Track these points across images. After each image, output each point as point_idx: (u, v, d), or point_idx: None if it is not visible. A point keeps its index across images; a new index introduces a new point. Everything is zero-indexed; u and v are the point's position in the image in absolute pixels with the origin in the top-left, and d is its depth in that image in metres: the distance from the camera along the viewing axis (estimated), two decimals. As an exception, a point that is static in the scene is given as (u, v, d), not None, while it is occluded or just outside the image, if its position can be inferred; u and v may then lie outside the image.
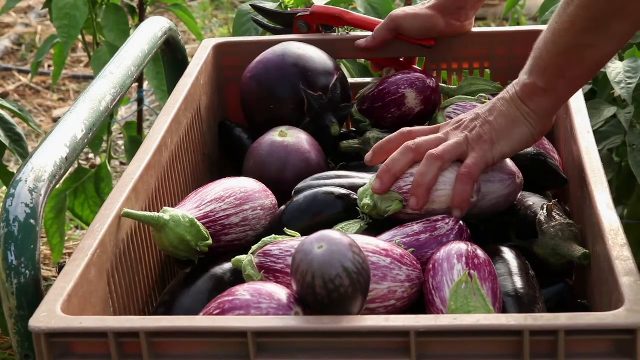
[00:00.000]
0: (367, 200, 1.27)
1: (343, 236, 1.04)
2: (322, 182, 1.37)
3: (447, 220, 1.25)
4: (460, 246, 1.17)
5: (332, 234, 1.04)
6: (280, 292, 1.07)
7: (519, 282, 1.16)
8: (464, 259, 1.14)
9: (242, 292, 1.08)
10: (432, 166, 1.23)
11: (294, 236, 1.22)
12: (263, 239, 1.22)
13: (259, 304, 1.06)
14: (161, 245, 1.27)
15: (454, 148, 1.24)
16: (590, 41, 1.14)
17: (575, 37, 1.15)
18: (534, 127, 1.24)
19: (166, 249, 1.27)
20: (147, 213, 1.25)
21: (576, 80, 1.22)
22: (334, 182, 1.36)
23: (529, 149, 1.39)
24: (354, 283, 1.02)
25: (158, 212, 1.29)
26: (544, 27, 1.69)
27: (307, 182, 1.39)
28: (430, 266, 1.16)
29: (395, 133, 1.32)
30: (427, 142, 1.26)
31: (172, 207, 1.37)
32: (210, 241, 1.28)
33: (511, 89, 1.25)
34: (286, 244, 1.18)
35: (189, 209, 1.29)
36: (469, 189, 1.24)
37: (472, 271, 1.12)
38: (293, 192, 1.37)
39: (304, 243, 1.04)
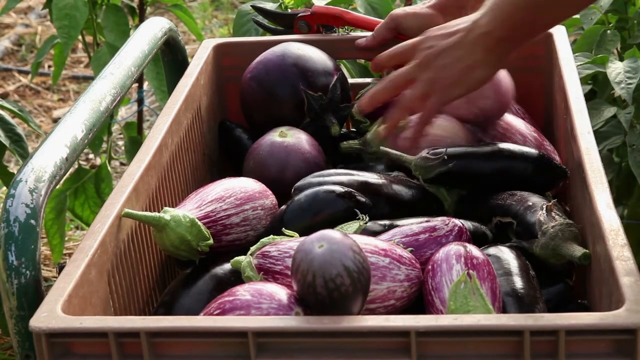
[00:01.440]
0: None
1: (343, 236, 1.04)
2: (321, 179, 1.37)
3: (447, 222, 1.25)
4: (459, 247, 1.17)
5: (333, 233, 1.04)
6: (280, 292, 1.07)
7: (519, 282, 1.16)
8: (462, 259, 1.15)
9: (243, 292, 1.08)
10: (396, 112, 1.38)
11: (292, 236, 1.22)
12: (261, 240, 1.22)
13: (260, 304, 1.06)
14: (162, 245, 1.27)
15: (418, 96, 1.35)
16: (545, 4, 1.22)
17: None
18: (491, 69, 1.32)
19: (167, 249, 1.27)
20: (148, 213, 1.25)
21: (533, 35, 1.31)
22: (334, 179, 1.36)
23: (531, 150, 1.41)
24: (354, 282, 1.02)
25: (158, 212, 1.29)
26: (543, 27, 1.70)
27: (307, 179, 1.39)
28: (429, 267, 1.17)
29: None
30: (401, 79, 1.37)
31: (173, 207, 1.37)
32: (211, 241, 1.28)
33: (470, 33, 1.30)
34: (284, 245, 1.18)
35: (189, 209, 1.29)
36: (424, 127, 1.38)
37: (470, 271, 1.12)
38: (293, 190, 1.37)
39: (304, 242, 1.04)
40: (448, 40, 1.33)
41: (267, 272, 1.17)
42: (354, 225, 1.27)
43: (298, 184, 1.38)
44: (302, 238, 1.16)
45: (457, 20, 1.35)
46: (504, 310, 1.13)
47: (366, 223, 1.28)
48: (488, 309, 1.08)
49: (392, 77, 1.38)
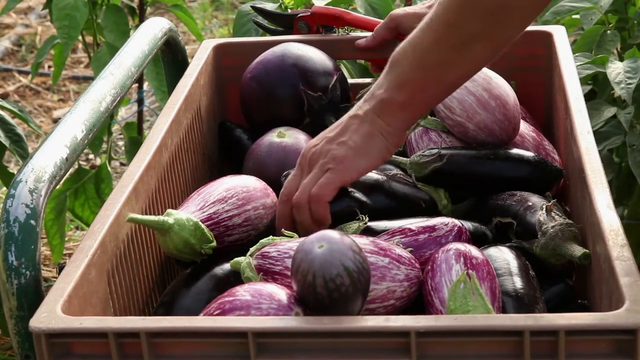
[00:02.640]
0: None
1: (343, 236, 1.04)
2: None
3: (447, 222, 1.25)
4: (458, 247, 1.17)
5: (333, 233, 1.04)
6: (280, 293, 1.07)
7: (519, 282, 1.16)
8: (462, 259, 1.15)
9: (243, 292, 1.08)
10: (301, 213, 1.26)
11: (291, 237, 1.22)
12: (261, 241, 1.21)
13: (259, 304, 1.06)
14: (166, 248, 1.27)
15: (309, 185, 1.25)
16: (452, 60, 1.16)
17: (439, 55, 1.16)
18: (389, 141, 1.24)
19: (171, 252, 1.27)
20: (152, 217, 1.25)
21: (434, 97, 1.23)
22: None
23: (527, 153, 1.41)
24: (354, 282, 1.02)
25: (158, 213, 1.28)
26: (543, 28, 1.71)
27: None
28: (429, 267, 1.17)
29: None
30: (292, 191, 1.27)
31: (172, 207, 1.37)
32: (214, 243, 1.28)
33: (364, 105, 1.24)
34: (284, 246, 1.18)
35: (192, 211, 1.29)
36: (323, 211, 1.25)
37: (470, 271, 1.12)
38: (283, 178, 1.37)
39: (304, 243, 1.04)
40: (336, 129, 1.25)
41: (267, 273, 1.17)
42: (353, 225, 1.27)
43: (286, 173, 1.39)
44: (302, 238, 1.16)
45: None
46: (503, 310, 1.13)
47: (365, 223, 1.28)
48: (487, 308, 1.08)
49: (283, 192, 1.29)
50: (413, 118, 1.25)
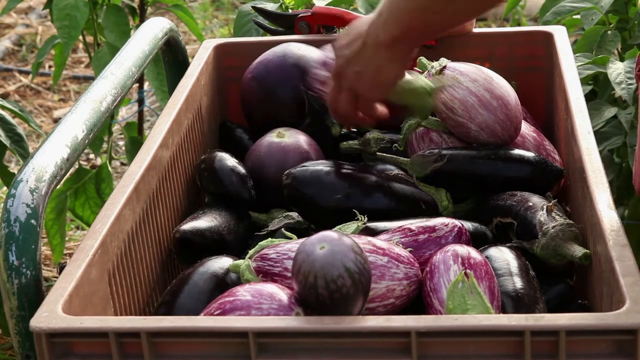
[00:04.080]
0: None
1: (344, 237, 1.04)
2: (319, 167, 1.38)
3: (447, 222, 1.25)
4: (456, 248, 1.17)
5: (334, 234, 1.04)
6: (281, 293, 1.07)
7: (519, 283, 1.16)
8: (459, 259, 1.15)
9: (243, 292, 1.08)
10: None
11: (290, 238, 1.22)
12: (260, 243, 1.21)
13: (260, 304, 1.06)
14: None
15: (347, 103, 1.38)
16: (438, 8, 1.23)
17: (426, 1, 1.23)
18: (398, 65, 1.34)
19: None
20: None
21: (431, 32, 1.37)
22: (326, 168, 1.37)
23: (528, 153, 1.41)
24: (355, 283, 1.02)
25: (159, 213, 1.28)
26: (544, 28, 1.71)
27: (300, 166, 1.39)
28: (428, 269, 1.17)
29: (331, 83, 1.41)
30: (332, 91, 1.40)
31: (174, 208, 1.37)
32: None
33: (369, 37, 1.31)
34: (283, 247, 1.18)
35: None
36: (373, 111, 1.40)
37: (468, 270, 1.12)
38: (285, 176, 1.38)
39: (305, 244, 1.04)
40: (352, 49, 1.34)
41: (266, 275, 1.17)
42: (352, 225, 1.27)
43: (292, 171, 1.38)
44: (302, 240, 1.16)
45: (357, 22, 1.37)
46: (503, 310, 1.13)
47: (364, 223, 1.28)
48: (486, 307, 1.08)
49: (328, 97, 1.42)
50: (412, 47, 1.34)
